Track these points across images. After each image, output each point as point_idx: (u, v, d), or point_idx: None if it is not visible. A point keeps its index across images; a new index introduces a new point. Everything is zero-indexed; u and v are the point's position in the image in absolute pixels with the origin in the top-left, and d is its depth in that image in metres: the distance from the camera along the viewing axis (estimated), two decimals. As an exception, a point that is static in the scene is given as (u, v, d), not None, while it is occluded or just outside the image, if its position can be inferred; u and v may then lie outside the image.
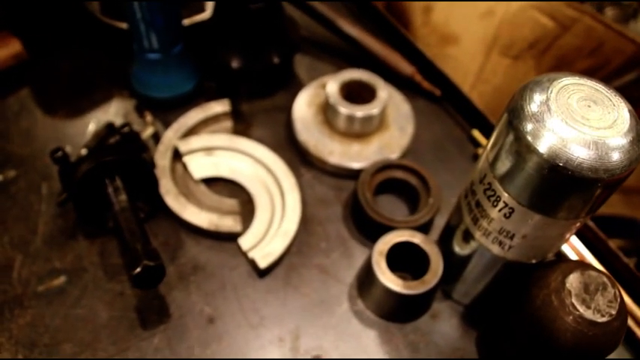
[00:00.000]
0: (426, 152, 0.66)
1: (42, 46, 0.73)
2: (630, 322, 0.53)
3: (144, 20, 0.59)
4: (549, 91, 0.38)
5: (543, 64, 0.76)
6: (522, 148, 0.37)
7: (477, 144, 0.66)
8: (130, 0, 0.57)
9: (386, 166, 0.60)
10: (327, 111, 0.64)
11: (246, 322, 0.53)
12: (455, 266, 0.51)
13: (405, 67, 0.70)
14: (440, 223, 0.57)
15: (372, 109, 0.61)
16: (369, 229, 0.57)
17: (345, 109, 0.61)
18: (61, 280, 0.55)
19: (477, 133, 0.66)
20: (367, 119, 0.61)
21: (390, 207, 0.61)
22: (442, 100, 0.70)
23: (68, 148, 0.62)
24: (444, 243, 0.53)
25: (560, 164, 0.36)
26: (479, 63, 0.76)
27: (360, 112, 0.61)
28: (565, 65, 0.76)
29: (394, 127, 0.64)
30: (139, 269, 0.47)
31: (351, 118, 0.61)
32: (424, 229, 0.57)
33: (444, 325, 0.54)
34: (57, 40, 0.75)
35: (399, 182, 0.60)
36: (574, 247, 0.57)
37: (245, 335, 0.52)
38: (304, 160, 0.64)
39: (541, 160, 0.37)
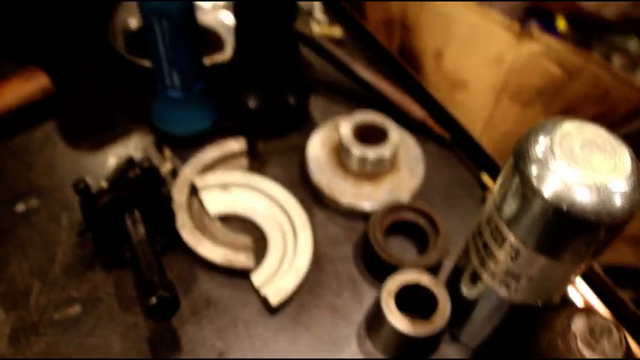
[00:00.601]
0: (436, 195, 0.67)
1: (68, 81, 0.76)
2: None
3: (167, 59, 0.62)
4: (553, 136, 0.39)
5: (552, 110, 0.78)
6: (527, 191, 0.39)
7: (485, 187, 0.67)
8: (155, 40, 0.60)
9: (396, 207, 0.61)
10: (340, 152, 0.66)
11: (256, 358, 0.54)
12: (462, 308, 0.52)
13: (417, 112, 0.72)
14: (448, 265, 0.58)
15: (384, 150, 0.63)
16: (379, 270, 0.58)
17: (357, 150, 0.63)
18: (77, 309, 0.57)
19: (486, 177, 0.67)
20: (379, 161, 0.63)
21: (400, 248, 0.63)
22: (452, 144, 0.72)
23: (89, 180, 0.64)
24: (452, 285, 0.54)
25: (564, 208, 0.37)
26: (488, 109, 0.79)
27: (372, 153, 0.63)
28: (573, 112, 0.78)
29: (405, 169, 0.66)
30: (154, 300, 0.49)
31: (363, 160, 0.63)
32: (433, 271, 0.58)
33: (451, 366, 0.55)
34: (83, 76, 0.78)
35: (408, 224, 0.61)
36: (581, 294, 0.58)
37: (255, 370, 0.53)
38: (317, 200, 0.66)
39: (545, 204, 0.38)
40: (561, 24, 0.86)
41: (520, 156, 0.40)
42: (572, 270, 0.43)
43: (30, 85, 0.72)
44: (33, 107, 0.73)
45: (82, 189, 0.58)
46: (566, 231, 0.39)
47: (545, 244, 0.41)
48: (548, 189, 0.38)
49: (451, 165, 0.71)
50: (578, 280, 0.59)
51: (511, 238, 0.42)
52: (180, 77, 0.65)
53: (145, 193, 0.57)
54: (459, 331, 0.55)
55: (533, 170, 0.39)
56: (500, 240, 0.44)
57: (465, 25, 0.78)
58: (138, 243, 0.55)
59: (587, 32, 0.84)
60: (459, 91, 0.80)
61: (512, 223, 0.42)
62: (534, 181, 0.39)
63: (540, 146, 0.39)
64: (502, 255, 0.44)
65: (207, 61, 0.73)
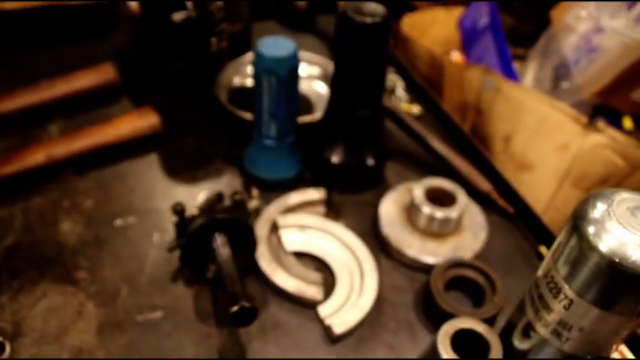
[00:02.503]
0: (495, 260, 0.71)
1: (175, 123, 0.86)
2: None
3: (269, 111, 0.71)
4: (611, 201, 0.45)
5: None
6: (585, 246, 0.44)
7: (542, 259, 0.71)
8: (261, 93, 0.70)
9: (458, 264, 0.66)
10: (410, 210, 0.72)
11: (314, 380, 0.58)
12: (514, 361, 0.56)
13: (484, 184, 0.78)
14: (501, 323, 0.62)
15: (452, 212, 0.69)
16: (436, 317, 0.62)
17: (427, 208, 0.69)
18: (158, 314, 0.63)
19: (544, 250, 0.71)
20: (446, 221, 0.69)
21: (457, 301, 0.67)
22: (515, 217, 0.77)
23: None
24: (505, 338, 0.57)
25: (617, 261, 0.42)
26: (551, 191, 0.83)
27: (440, 213, 0.68)
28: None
29: (469, 232, 0.71)
30: (236, 307, 0.55)
31: (431, 218, 0.69)
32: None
33: (497, 416, 0.57)
34: (188, 120, 0.89)
35: (468, 280, 0.66)
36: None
37: (311, 391, 0.57)
38: (384, 251, 0.72)
39: (601, 258, 0.43)
40: (627, 123, 0.91)
41: (579, 217, 0.45)
42: (621, 325, 0.46)
43: (142, 121, 0.83)
44: (142, 140, 0.83)
45: (179, 210, 0.66)
46: (618, 284, 0.43)
47: (598, 296, 0.45)
48: (604, 245, 0.43)
49: (512, 235, 0.75)
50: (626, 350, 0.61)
51: (566, 289, 0.47)
52: (277, 128, 0.73)
53: (236, 219, 0.64)
54: (508, 384, 0.58)
55: (591, 229, 0.44)
56: (556, 292, 0.48)
57: (535, 113, 0.84)
58: (224, 261, 0.61)
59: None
60: (525, 172, 0.85)
61: (568, 276, 0.46)
62: (592, 238, 0.44)
63: (598, 209, 0.45)
64: (556, 306, 0.48)
65: (299, 120, 0.82)
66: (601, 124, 0.80)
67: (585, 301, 0.45)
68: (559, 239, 0.48)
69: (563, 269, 0.47)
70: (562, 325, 0.48)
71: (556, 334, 0.49)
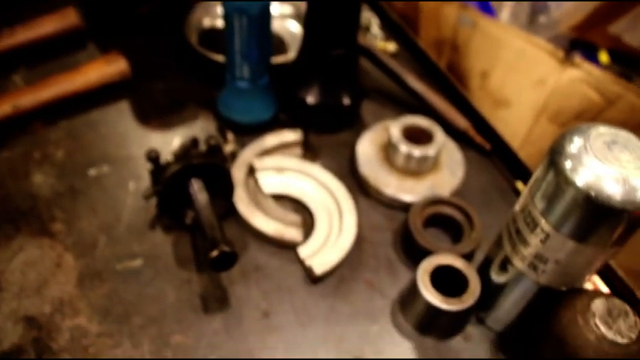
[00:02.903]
0: (473, 196, 0.72)
1: (144, 69, 0.84)
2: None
3: (241, 52, 0.69)
4: (587, 136, 0.45)
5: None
6: (561, 180, 0.44)
7: (519, 194, 0.72)
8: (232, 34, 0.67)
9: (436, 201, 0.66)
10: (388, 149, 0.71)
11: (297, 320, 0.59)
12: (491, 294, 0.57)
13: (461, 121, 0.77)
14: (479, 259, 0.63)
15: (429, 149, 0.68)
16: (415, 254, 0.63)
17: (404, 147, 0.68)
18: (138, 262, 0.63)
19: (520, 185, 0.72)
20: (423, 159, 0.69)
21: (436, 238, 0.68)
22: (491, 154, 0.77)
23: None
24: (482, 273, 0.58)
25: (593, 195, 0.42)
26: (527, 127, 0.83)
27: (417, 151, 0.68)
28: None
29: (446, 170, 0.71)
30: (216, 252, 0.54)
31: (409, 157, 0.69)
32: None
33: (475, 347, 0.59)
34: (158, 64, 0.86)
35: (446, 217, 0.66)
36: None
37: (294, 331, 0.58)
38: (362, 190, 0.72)
39: (577, 192, 0.43)
40: (604, 57, 0.91)
41: (556, 151, 0.45)
42: (595, 256, 0.47)
43: (110, 67, 0.80)
44: (110, 88, 0.80)
45: (153, 157, 0.65)
46: (594, 217, 0.44)
47: (574, 229, 0.45)
48: (581, 179, 0.43)
49: (489, 172, 0.76)
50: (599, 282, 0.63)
51: (543, 223, 0.47)
52: (250, 69, 0.71)
53: (212, 164, 0.63)
54: (486, 316, 0.59)
55: (568, 164, 0.44)
56: (533, 226, 0.48)
57: (512, 48, 0.83)
58: (202, 207, 0.61)
59: (629, 67, 0.89)
60: (502, 108, 0.85)
61: (544, 210, 0.47)
62: (568, 173, 0.44)
63: (575, 144, 0.45)
64: (533, 239, 0.49)
65: (272, 60, 0.80)
66: (577, 58, 0.79)
67: (561, 235, 0.46)
68: (536, 174, 0.48)
69: (540, 204, 0.47)
70: (538, 259, 0.49)
71: (532, 267, 0.50)
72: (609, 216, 0.43)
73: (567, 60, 0.80)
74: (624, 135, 0.45)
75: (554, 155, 0.45)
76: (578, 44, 0.91)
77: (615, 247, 0.47)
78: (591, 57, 0.90)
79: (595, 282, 0.62)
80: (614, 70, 0.88)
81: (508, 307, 0.56)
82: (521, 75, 0.83)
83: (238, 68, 0.71)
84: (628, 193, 0.42)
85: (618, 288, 0.62)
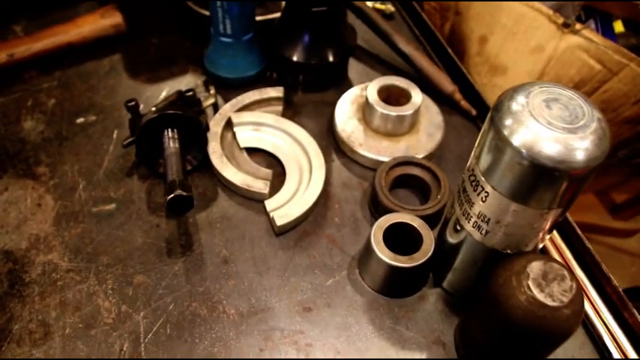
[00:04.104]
0: (450, 161, 0.71)
1: (138, 24, 0.86)
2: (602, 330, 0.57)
3: (222, 7, 0.70)
4: (530, 94, 0.43)
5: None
6: (500, 140, 0.43)
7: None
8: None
9: (406, 162, 0.66)
10: (365, 109, 0.71)
11: (255, 269, 0.60)
12: (447, 256, 0.57)
13: (447, 85, 0.76)
14: (445, 221, 0.63)
15: (405, 111, 0.68)
16: (380, 214, 0.63)
17: (380, 108, 0.68)
18: (112, 206, 0.65)
19: (499, 151, 0.71)
20: (399, 120, 0.68)
21: (404, 199, 0.67)
22: (476, 119, 0.76)
23: (142, 105, 0.73)
24: (441, 234, 0.58)
25: (531, 156, 0.41)
26: (522, 94, 0.81)
27: (393, 112, 0.68)
28: (610, 110, 0.79)
29: (423, 132, 0.71)
30: (172, 195, 0.56)
31: (385, 117, 0.68)
32: (432, 224, 0.62)
33: (428, 307, 0.59)
34: (153, 20, 0.88)
35: (415, 178, 0.66)
36: (558, 246, 0.61)
37: (251, 279, 0.60)
38: (338, 149, 0.72)
39: (515, 153, 0.42)
40: (618, 26, 0.87)
41: (496, 109, 0.44)
42: (536, 217, 0.46)
43: (106, 20, 0.82)
44: (105, 40, 0.82)
45: (131, 107, 0.67)
46: (531, 177, 0.43)
47: (513, 189, 0.44)
48: (518, 138, 0.42)
49: (471, 137, 0.75)
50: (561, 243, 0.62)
51: (484, 182, 0.46)
52: (232, 25, 0.72)
53: (184, 115, 0.64)
54: (442, 278, 0.59)
55: (507, 122, 0.43)
56: (476, 185, 0.48)
57: (512, 12, 0.80)
58: (170, 154, 0.62)
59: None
60: (499, 75, 0.83)
61: (486, 170, 0.46)
62: (506, 132, 0.43)
63: (517, 103, 0.43)
64: (476, 199, 0.48)
65: (260, 17, 0.80)
66: (578, 24, 0.76)
67: (500, 194, 0.45)
68: (480, 134, 0.47)
69: (482, 163, 0.46)
70: (481, 218, 0.49)
71: (477, 227, 0.50)
72: (546, 176, 0.42)
73: (567, 25, 0.77)
74: (567, 93, 0.44)
75: (494, 113, 0.44)
76: (593, 12, 0.87)
77: (559, 209, 0.46)
78: (606, 26, 0.86)
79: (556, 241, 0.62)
80: (627, 38, 0.84)
81: (461, 270, 0.56)
82: (520, 41, 0.81)
83: (221, 24, 0.72)
84: (563, 154, 0.41)
85: (582, 253, 0.61)
